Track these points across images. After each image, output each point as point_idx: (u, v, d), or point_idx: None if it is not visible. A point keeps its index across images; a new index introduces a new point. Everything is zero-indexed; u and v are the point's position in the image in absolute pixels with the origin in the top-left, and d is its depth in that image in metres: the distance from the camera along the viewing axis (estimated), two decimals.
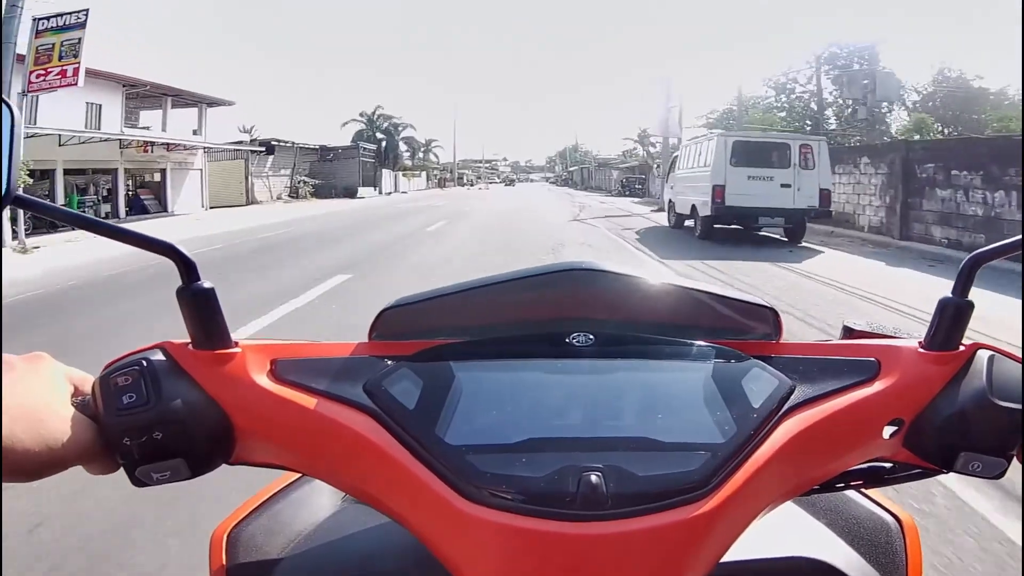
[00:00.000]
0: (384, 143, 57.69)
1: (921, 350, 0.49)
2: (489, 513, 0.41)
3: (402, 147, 65.07)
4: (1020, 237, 0.46)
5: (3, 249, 10.77)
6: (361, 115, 58.19)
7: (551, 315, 0.52)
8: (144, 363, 0.45)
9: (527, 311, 0.52)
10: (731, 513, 0.42)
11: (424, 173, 68.06)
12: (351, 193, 41.37)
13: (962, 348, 0.48)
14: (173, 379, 0.45)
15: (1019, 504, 2.31)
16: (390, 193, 47.35)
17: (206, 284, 0.46)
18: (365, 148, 47.01)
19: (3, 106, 0.43)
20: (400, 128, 60.39)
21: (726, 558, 0.43)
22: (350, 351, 0.51)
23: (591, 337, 0.51)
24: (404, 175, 58.07)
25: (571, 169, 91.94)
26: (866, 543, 0.62)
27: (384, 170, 51.16)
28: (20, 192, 0.43)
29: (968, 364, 0.47)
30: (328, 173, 43.60)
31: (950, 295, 0.48)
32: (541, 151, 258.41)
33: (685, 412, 0.46)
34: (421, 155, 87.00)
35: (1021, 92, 9.18)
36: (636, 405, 0.47)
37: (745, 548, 0.47)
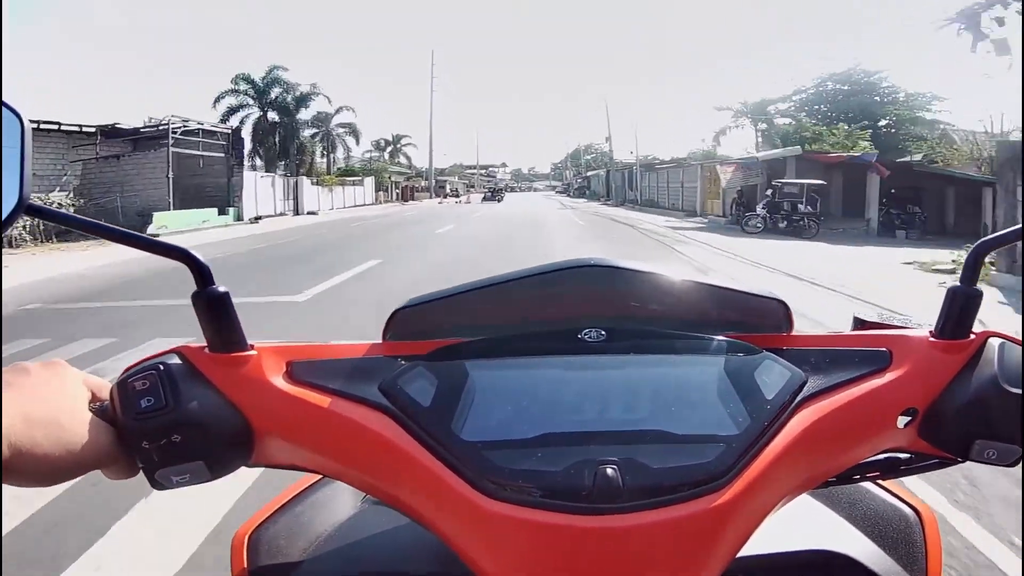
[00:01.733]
0: (280, 128, 33.59)
1: (932, 339, 0.48)
2: (506, 508, 0.41)
3: (338, 136, 40.91)
4: (1020, 226, 0.47)
5: None
6: (239, 82, 33.42)
7: (563, 312, 0.52)
8: (161, 367, 0.45)
9: (539, 308, 0.53)
10: (748, 504, 0.42)
11: (372, 179, 43.82)
12: (145, 224, 17.85)
13: (972, 336, 0.48)
14: (190, 382, 0.45)
15: None
16: (257, 219, 23.36)
17: (221, 288, 0.46)
18: (195, 131, 23.04)
19: (13, 115, 0.44)
20: (309, 101, 35.75)
21: (744, 552, 0.43)
22: (364, 351, 0.51)
23: (603, 333, 0.51)
24: (323, 183, 34.11)
25: (589, 174, 67.95)
26: (885, 535, 0.62)
27: (257, 174, 27.30)
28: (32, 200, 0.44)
29: (979, 352, 0.47)
30: (115, 182, 20.26)
31: (959, 284, 0.48)
32: (545, 158, 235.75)
33: (699, 405, 0.46)
34: (384, 155, 63.90)
35: (1021, 92, 8.95)
36: (650, 399, 0.47)
37: (763, 541, 0.47)
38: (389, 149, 69.77)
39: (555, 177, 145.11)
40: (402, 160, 69.59)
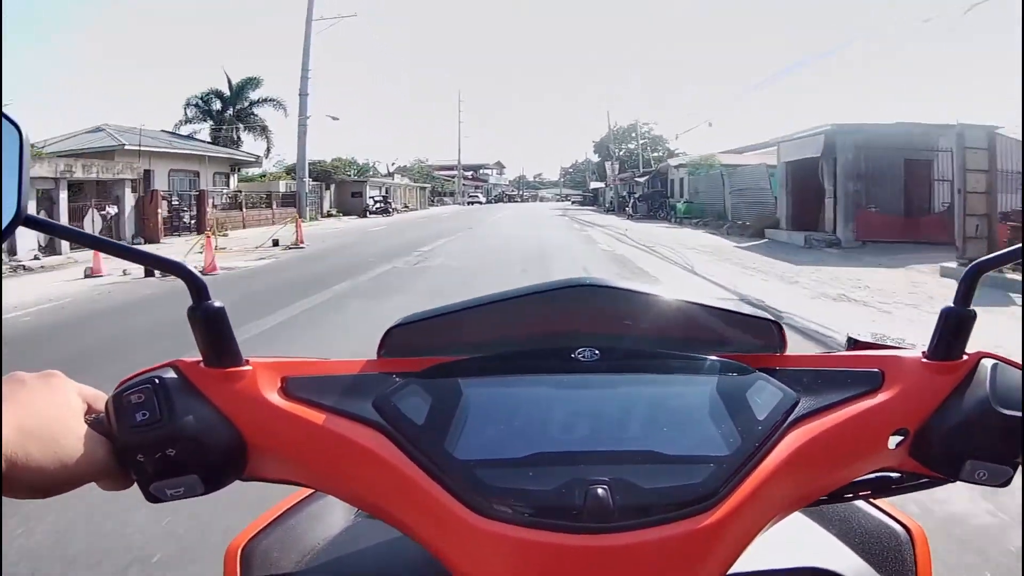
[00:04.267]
0: None
1: (925, 360, 0.49)
2: (498, 526, 0.42)
3: None
4: (1020, 246, 0.47)
5: None
6: None
7: (557, 331, 0.53)
8: (157, 381, 0.45)
9: (534, 327, 0.54)
10: (738, 524, 0.43)
11: None
12: None
13: (965, 357, 0.48)
14: (185, 396, 0.46)
15: None
16: None
17: (216, 303, 0.47)
18: None
19: (12, 127, 0.44)
20: None
21: (735, 569, 0.44)
22: (359, 368, 0.52)
23: (597, 352, 0.51)
24: None
25: (679, 167, 29.79)
26: (876, 553, 0.62)
27: None
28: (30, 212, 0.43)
29: (972, 373, 0.48)
30: None
31: (952, 305, 0.48)
32: (554, 163, 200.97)
33: (690, 425, 0.47)
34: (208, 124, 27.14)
35: (1021, 97, 7.92)
36: (642, 418, 0.47)
37: (754, 559, 0.47)
38: (229, 111, 32.79)
39: (569, 183, 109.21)
40: (257, 144, 32.71)
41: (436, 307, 0.53)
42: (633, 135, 54.31)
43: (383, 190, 41.06)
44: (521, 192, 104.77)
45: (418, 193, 53.37)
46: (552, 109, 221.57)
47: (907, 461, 0.49)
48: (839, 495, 0.53)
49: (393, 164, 62.07)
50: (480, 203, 71.85)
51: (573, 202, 71.97)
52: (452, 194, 71.93)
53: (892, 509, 0.67)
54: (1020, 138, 8.67)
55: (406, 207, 45.97)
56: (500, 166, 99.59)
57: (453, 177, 72.60)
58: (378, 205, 36.85)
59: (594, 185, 73.92)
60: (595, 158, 66.88)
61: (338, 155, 45.17)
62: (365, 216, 35.53)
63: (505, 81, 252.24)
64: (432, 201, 64.28)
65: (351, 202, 36.88)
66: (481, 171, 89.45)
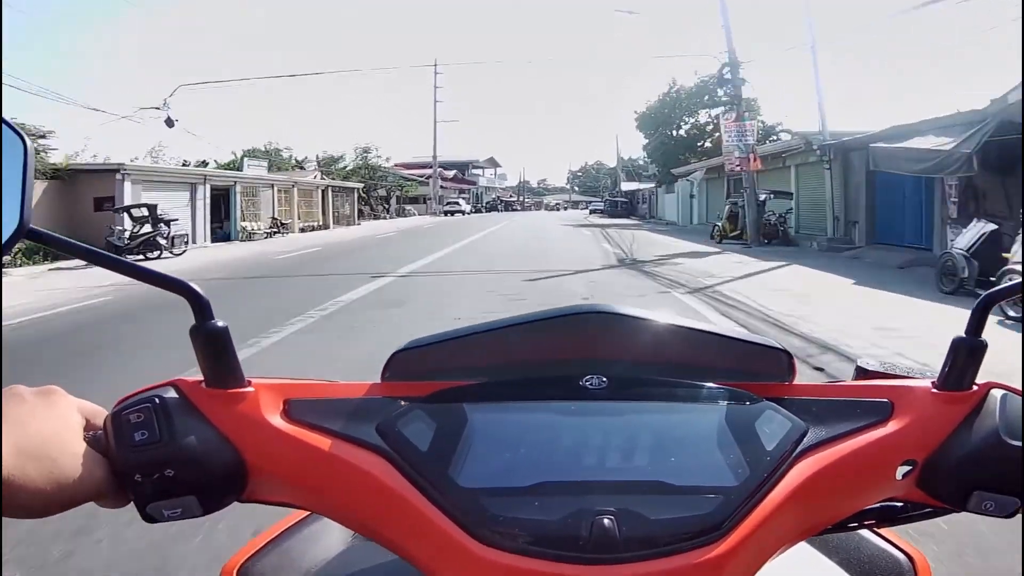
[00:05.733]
0: None
1: (934, 390, 0.49)
2: (501, 556, 0.41)
3: None
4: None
5: None
6: None
7: (565, 357, 0.53)
8: (157, 400, 0.45)
9: (541, 353, 0.53)
10: (744, 556, 0.43)
11: None
12: None
13: (975, 388, 0.48)
14: (186, 417, 0.45)
15: None
16: None
17: (219, 323, 0.46)
18: None
19: (16, 136, 0.44)
20: None
21: None
22: (363, 391, 0.52)
23: (604, 380, 0.51)
24: None
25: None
26: None
27: None
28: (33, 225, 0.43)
29: (981, 404, 0.47)
30: None
31: (963, 335, 0.48)
32: (559, 168, 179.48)
33: (698, 455, 0.47)
34: None
35: (1021, 95, 7.52)
36: (649, 448, 0.47)
37: None
38: None
39: (582, 189, 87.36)
40: None
41: (442, 332, 0.53)
42: (705, 98, 31.92)
43: (202, 192, 18.64)
44: (522, 198, 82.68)
45: (328, 199, 30.75)
46: (556, 106, 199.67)
47: (914, 492, 0.48)
48: (844, 524, 0.53)
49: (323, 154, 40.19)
50: (463, 213, 49.61)
51: (593, 211, 49.65)
52: (426, 200, 49.84)
53: (894, 537, 0.68)
54: None
55: (279, 226, 24.01)
56: (494, 163, 77.16)
57: (415, 178, 50.27)
58: (136, 231, 14.64)
59: (628, 187, 51.13)
60: (639, 143, 44.07)
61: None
62: (116, 253, 13.19)
63: (504, 76, 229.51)
64: (384, 211, 42.09)
65: (96, 221, 14.93)
66: (470, 170, 67.15)
